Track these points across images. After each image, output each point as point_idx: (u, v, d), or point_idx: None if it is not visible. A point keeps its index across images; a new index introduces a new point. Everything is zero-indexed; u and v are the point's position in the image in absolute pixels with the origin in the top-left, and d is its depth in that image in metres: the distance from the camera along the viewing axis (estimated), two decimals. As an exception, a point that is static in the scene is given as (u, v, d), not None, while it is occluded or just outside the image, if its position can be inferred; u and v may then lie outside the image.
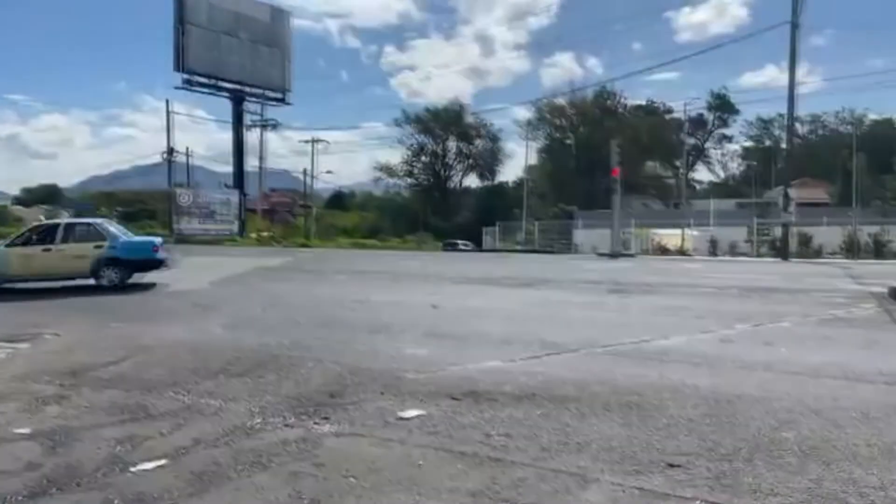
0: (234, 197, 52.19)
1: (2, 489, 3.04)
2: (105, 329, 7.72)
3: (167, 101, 54.86)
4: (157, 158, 54.31)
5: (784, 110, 32.49)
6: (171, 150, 52.42)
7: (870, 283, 12.82)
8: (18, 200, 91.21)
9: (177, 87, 50.67)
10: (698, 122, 77.51)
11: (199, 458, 3.43)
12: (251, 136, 56.30)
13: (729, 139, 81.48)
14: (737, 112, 77.63)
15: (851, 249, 31.50)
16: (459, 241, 47.11)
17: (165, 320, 8.40)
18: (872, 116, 75.80)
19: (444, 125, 70.71)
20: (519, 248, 43.71)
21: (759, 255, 32.23)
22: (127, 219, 56.95)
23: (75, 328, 7.73)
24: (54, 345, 6.75)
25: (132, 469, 3.29)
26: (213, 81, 51.97)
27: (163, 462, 3.37)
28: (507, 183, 74.85)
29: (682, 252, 35.13)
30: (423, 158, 72.77)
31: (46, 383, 5.08)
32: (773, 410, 4.08)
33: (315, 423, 3.99)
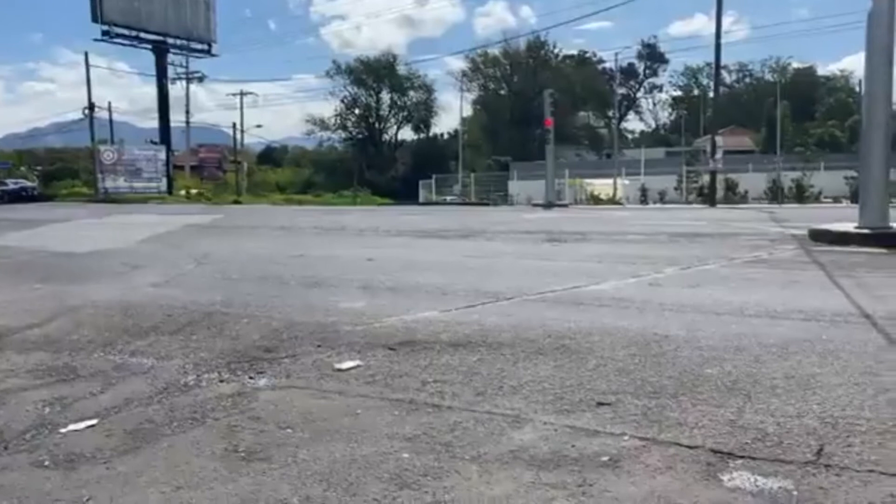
0: (161, 153, 50.61)
1: (-78, 457, 2.95)
2: (29, 290, 7.45)
3: (86, 55, 52.19)
4: (78, 114, 52.10)
5: (712, 59, 33.05)
6: (91, 106, 50.38)
7: (792, 226, 13.35)
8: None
9: (95, 40, 48.50)
10: (629, 72, 78.47)
11: (132, 416, 3.38)
12: (177, 90, 54.57)
13: (659, 88, 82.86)
14: (666, 62, 79.00)
15: (775, 195, 32.61)
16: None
17: (93, 280, 8.16)
18: (796, 65, 77.97)
19: (376, 77, 69.68)
20: (455, 200, 43.80)
21: (688, 203, 33.16)
22: (48, 178, 54.80)
23: (-4, 291, 7.44)
24: (-26, 309, 6.49)
25: (62, 430, 3.22)
26: (133, 33, 49.83)
27: (94, 422, 3.31)
28: (442, 135, 74.62)
29: (614, 201, 35.82)
30: (356, 111, 71.82)
31: (-33, 348, 4.89)
32: (699, 349, 4.25)
33: (250, 378, 3.97)
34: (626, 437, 2.92)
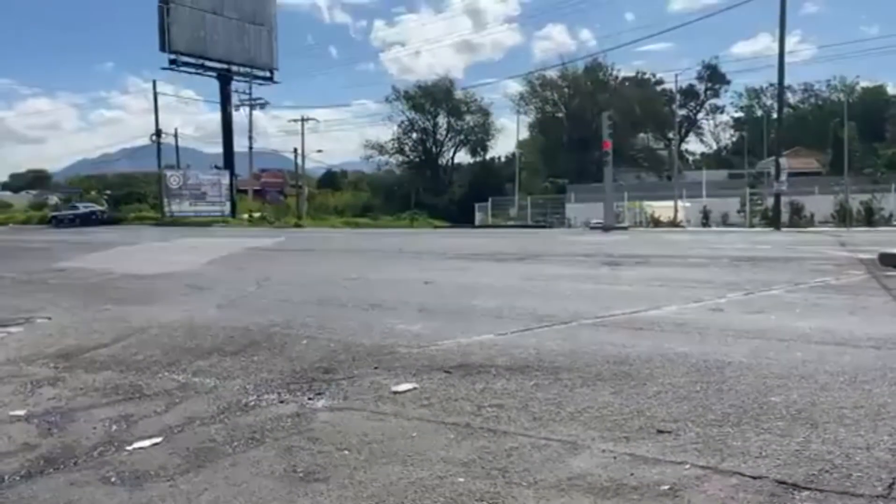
0: (225, 178, 51.96)
1: (1, 469, 3.07)
2: (98, 311, 7.72)
3: (153, 83, 54.24)
4: (146, 140, 54.02)
5: (775, 80, 32.41)
6: (158, 132, 52.14)
7: (860, 250, 12.91)
8: (6, 186, 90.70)
9: (163, 68, 50.25)
10: (689, 93, 77.36)
11: (195, 435, 3.46)
12: (240, 116, 56.01)
13: (721, 110, 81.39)
14: (728, 82, 77.51)
15: (843, 218, 31.61)
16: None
17: (159, 301, 8.40)
18: (864, 84, 75.68)
19: (434, 101, 70.26)
20: (511, 223, 43.71)
21: (751, 226, 32.40)
22: (116, 202, 56.80)
23: (67, 311, 7.73)
24: (47, 328, 6.76)
25: (128, 447, 3.32)
26: (199, 61, 51.49)
27: (158, 440, 3.40)
28: (498, 158, 74.71)
29: (674, 224, 35.26)
30: (413, 135, 72.44)
31: (40, 366, 5.09)
32: (762, 376, 4.13)
33: (309, 399, 4.02)
34: (686, 466, 2.85)
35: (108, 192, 60.45)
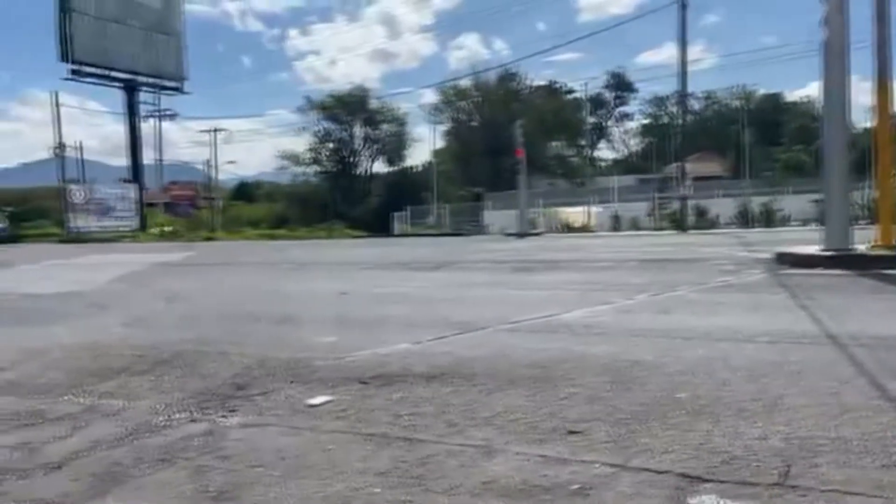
0: (132, 191, 50.31)
1: None
2: (-5, 335, 7.33)
3: (54, 94, 52.01)
4: (47, 154, 51.63)
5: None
6: (61, 145, 50.05)
7: (760, 250, 13.57)
8: None
9: (64, 79, 48.30)
10: (599, 102, 79.61)
11: (100, 459, 3.33)
12: (148, 128, 54.31)
13: (629, 117, 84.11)
14: (635, 91, 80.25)
15: (745, 219, 33.13)
16: None
17: (60, 321, 8.05)
18: (762, 91, 79.60)
19: (349, 111, 69.91)
20: (430, 231, 43.87)
21: (659, 229, 33.53)
22: (17, 218, 54.10)
23: (-38, 336, 7.31)
24: (-62, 354, 6.36)
25: (29, 476, 3.17)
26: (103, 72, 49.83)
27: (61, 466, 3.26)
28: (415, 167, 74.92)
29: (586, 229, 36.14)
30: (329, 145, 71.82)
31: (-70, 395, 4.79)
32: (668, 374, 4.29)
33: (222, 417, 3.93)
34: (596, 465, 2.93)
35: (8, 208, 57.51)
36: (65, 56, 46.99)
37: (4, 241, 44.60)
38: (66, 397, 4.56)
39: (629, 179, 59.94)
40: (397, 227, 51.36)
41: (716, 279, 9.21)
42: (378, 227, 50.93)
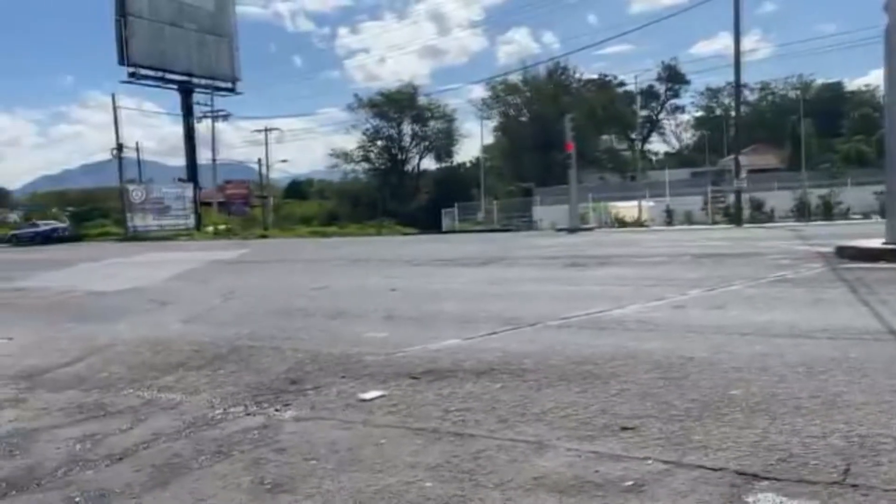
0: (188, 191, 51.39)
1: (-41, 495, 3.02)
2: (58, 330, 7.59)
3: (113, 96, 53.40)
4: (107, 155, 53.15)
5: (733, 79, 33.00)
6: (120, 146, 51.41)
7: (818, 243, 13.20)
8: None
9: (122, 82, 49.55)
10: (650, 94, 78.37)
11: (160, 451, 3.44)
12: (203, 128, 55.44)
13: (682, 109, 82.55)
14: (688, 82, 78.66)
15: (802, 212, 32.28)
16: None
17: (122, 318, 8.29)
18: (820, 81, 77.28)
19: (397, 108, 70.25)
20: (479, 228, 43.86)
21: (713, 223, 32.91)
22: (78, 219, 55.88)
23: (28, 331, 7.59)
24: (7, 349, 6.63)
25: (92, 466, 3.28)
26: (159, 74, 50.94)
27: (123, 458, 3.37)
28: (464, 163, 74.89)
29: (639, 223, 35.67)
30: (378, 143, 72.29)
31: (1, 387, 5.00)
32: (723, 370, 4.22)
33: (276, 410, 4.01)
34: (649, 462, 2.90)
35: (70, 208, 59.47)
36: (123, 59, 48.20)
37: (67, 240, 46.12)
38: (127, 391, 4.71)
39: (682, 173, 58.90)
40: (446, 223, 51.43)
41: (773, 274, 9.00)
42: (427, 223, 51.06)
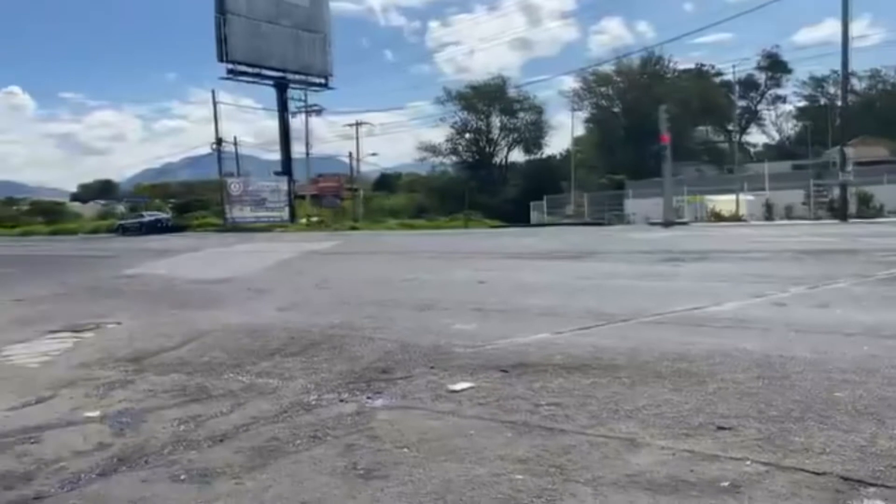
0: (283, 184, 52.91)
1: (77, 468, 3.21)
2: (163, 316, 7.97)
3: (213, 92, 55.57)
4: (207, 149, 55.35)
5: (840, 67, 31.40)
6: (219, 141, 53.42)
7: (933, 240, 12.43)
8: (76, 196, 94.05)
9: (221, 78, 51.38)
10: (750, 84, 75.34)
11: (259, 434, 3.56)
12: (297, 123, 56.83)
13: (783, 99, 78.98)
14: (789, 71, 75.07)
15: (915, 207, 30.44)
16: None
17: (221, 305, 8.63)
18: (935, 67, 72.43)
19: (486, 100, 70.12)
20: (568, 221, 43.38)
21: (816, 218, 31.47)
22: (180, 210, 58.44)
23: (135, 316, 8.00)
24: (116, 333, 7.01)
25: (196, 447, 3.43)
26: (256, 70, 52.54)
27: (224, 439, 3.51)
28: (554, 156, 74.12)
29: (736, 218, 34.47)
30: (466, 135, 72.40)
31: (111, 369, 5.29)
32: (827, 371, 4.04)
33: (368, 398, 4.09)
34: (747, 463, 2.81)
35: (173, 200, 62.24)
36: (222, 56, 50.00)
37: (169, 230, 48.39)
38: (227, 375, 4.90)
39: (783, 166, 56.44)
40: (535, 216, 51.10)
41: (882, 271, 8.52)
42: (515, 216, 50.84)
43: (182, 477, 3.05)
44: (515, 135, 72.38)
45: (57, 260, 21.66)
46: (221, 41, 49.75)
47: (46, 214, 70.92)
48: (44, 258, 23.00)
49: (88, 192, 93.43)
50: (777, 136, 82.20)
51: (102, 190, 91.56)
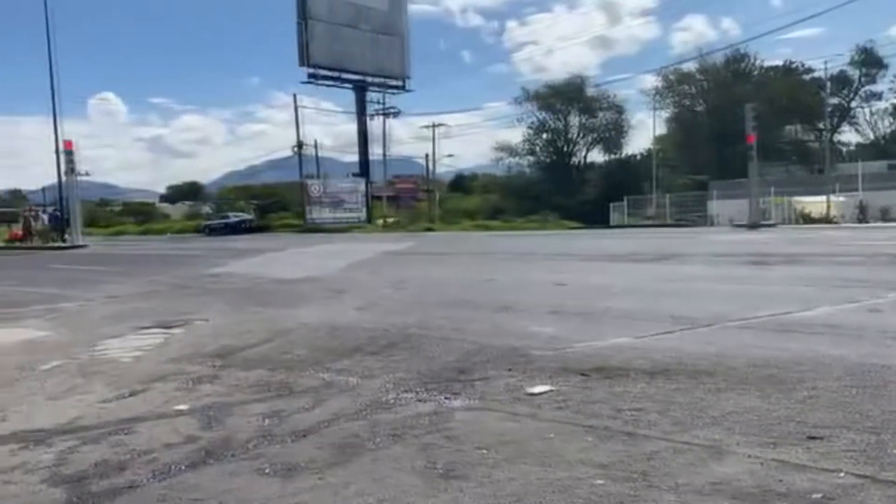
0: (361, 185, 53.70)
1: (167, 459, 3.34)
2: (247, 314, 8.20)
3: (294, 96, 56.85)
4: (288, 152, 56.68)
5: (940, 60, 29.75)
6: (300, 144, 54.61)
7: None
8: (164, 198, 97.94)
9: (303, 82, 52.50)
10: (842, 80, 72.09)
11: (340, 430, 3.62)
12: (374, 125, 57.54)
13: (878, 96, 75.18)
14: (885, 66, 71.34)
15: None
16: None
17: (302, 304, 8.82)
18: None
19: (565, 100, 69.32)
20: (649, 222, 42.52)
21: (915, 220, 29.87)
22: (262, 211, 60.08)
23: (221, 314, 8.27)
24: (204, 329, 7.26)
25: (279, 441, 3.52)
26: (336, 74, 53.44)
27: (307, 435, 3.59)
28: (634, 156, 72.64)
29: (827, 220, 33.08)
30: (544, 135, 71.74)
31: (199, 364, 5.48)
32: (928, 382, 3.83)
33: (446, 398, 4.11)
34: (840, 474, 2.69)
35: (255, 201, 63.97)
36: (303, 61, 51.09)
37: (252, 230, 49.83)
38: (309, 372, 5.01)
39: (878, 165, 53.74)
40: (614, 217, 50.23)
41: None
42: (594, 218, 50.06)
43: (266, 470, 3.13)
44: (594, 134, 71.19)
45: (147, 259, 22.62)
46: (303, 46, 50.83)
47: (137, 215, 74.25)
48: (135, 257, 24.05)
49: (176, 194, 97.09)
50: (871, 135, 78.28)
51: (189, 191, 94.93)
